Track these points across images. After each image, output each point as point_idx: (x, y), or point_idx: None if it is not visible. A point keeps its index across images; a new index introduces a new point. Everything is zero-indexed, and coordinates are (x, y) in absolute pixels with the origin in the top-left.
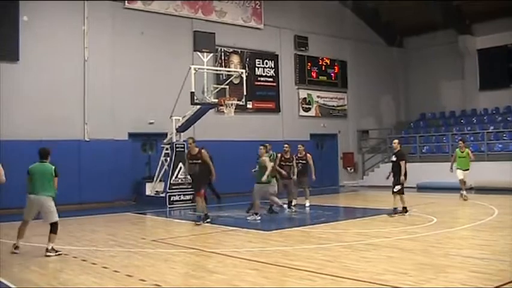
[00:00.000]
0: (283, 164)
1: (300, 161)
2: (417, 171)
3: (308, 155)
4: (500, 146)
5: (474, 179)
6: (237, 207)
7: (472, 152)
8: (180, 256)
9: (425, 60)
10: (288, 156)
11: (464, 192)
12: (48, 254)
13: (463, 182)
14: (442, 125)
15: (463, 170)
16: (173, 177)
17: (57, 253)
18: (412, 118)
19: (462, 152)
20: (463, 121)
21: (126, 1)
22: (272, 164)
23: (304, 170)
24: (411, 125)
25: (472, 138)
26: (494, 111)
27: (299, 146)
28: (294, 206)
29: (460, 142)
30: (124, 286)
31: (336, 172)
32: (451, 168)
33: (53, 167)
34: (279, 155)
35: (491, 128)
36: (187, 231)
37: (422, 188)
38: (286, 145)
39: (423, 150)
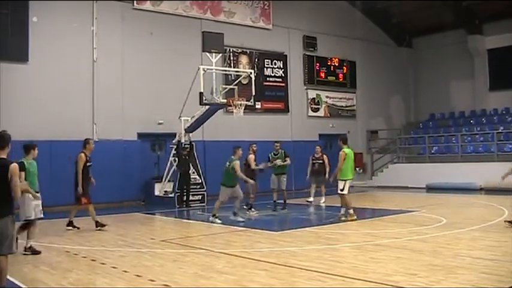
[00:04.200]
0: (314, 163)
1: (317, 161)
2: (426, 172)
3: (324, 156)
4: (510, 146)
5: (484, 179)
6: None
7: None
8: (189, 256)
9: (434, 60)
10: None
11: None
12: None
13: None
14: (452, 126)
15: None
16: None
17: None
18: (421, 118)
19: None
20: (472, 121)
21: (135, 2)
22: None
23: (320, 170)
24: (420, 126)
25: (481, 139)
26: (504, 112)
27: (317, 147)
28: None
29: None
30: (133, 286)
31: None
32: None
33: None
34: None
35: (501, 128)
36: (196, 232)
37: (431, 189)
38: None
39: (432, 151)
